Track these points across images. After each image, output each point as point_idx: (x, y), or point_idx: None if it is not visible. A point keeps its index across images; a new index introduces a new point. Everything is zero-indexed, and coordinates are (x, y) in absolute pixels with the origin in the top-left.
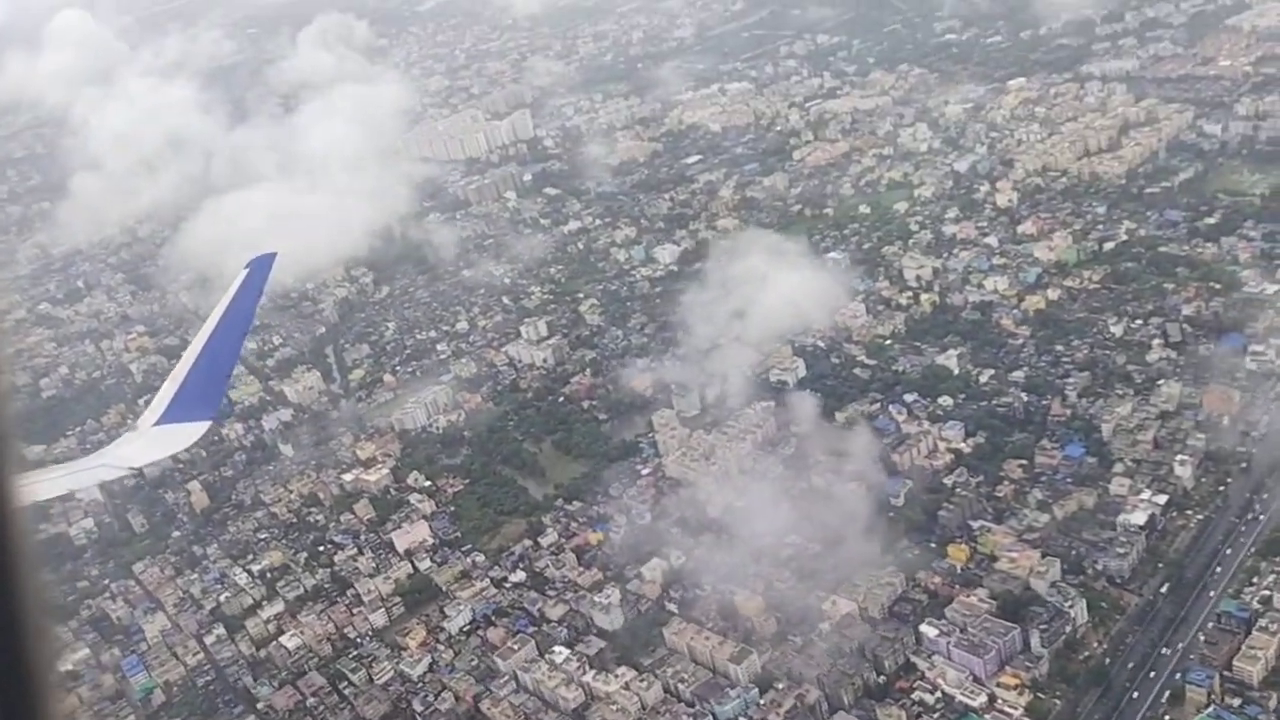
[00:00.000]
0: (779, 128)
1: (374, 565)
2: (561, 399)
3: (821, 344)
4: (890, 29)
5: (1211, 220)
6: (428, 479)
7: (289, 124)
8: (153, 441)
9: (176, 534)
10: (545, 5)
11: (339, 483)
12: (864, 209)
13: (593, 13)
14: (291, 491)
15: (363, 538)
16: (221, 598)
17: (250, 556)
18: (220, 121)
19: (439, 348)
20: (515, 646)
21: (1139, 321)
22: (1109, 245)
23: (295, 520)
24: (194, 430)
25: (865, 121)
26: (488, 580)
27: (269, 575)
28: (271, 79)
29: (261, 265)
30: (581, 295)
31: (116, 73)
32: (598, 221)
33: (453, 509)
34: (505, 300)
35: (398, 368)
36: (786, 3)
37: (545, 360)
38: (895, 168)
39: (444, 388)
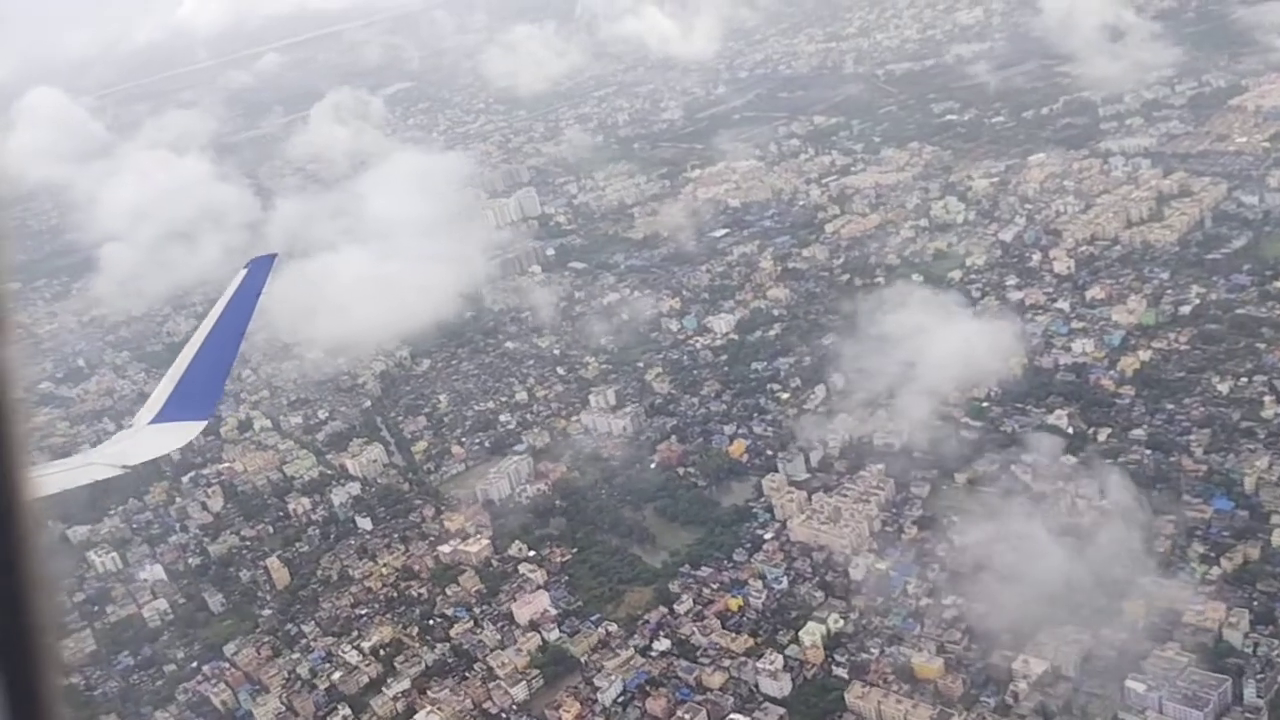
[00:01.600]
0: (801, 202)
1: (498, 638)
2: (652, 466)
3: (916, 408)
4: (885, 110)
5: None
6: (531, 549)
7: (300, 200)
8: (148, 439)
9: (267, 612)
10: (519, 90)
11: (433, 555)
12: (916, 277)
13: (568, 96)
14: (382, 565)
15: (477, 610)
16: (334, 676)
17: (355, 633)
18: (241, 195)
19: (502, 419)
20: (686, 716)
21: (1243, 379)
22: (1184, 309)
23: (395, 595)
24: (190, 429)
25: (890, 196)
26: (631, 649)
27: (382, 652)
28: (269, 156)
29: (261, 266)
30: (641, 365)
31: (115, 148)
32: (636, 293)
33: (567, 578)
34: (560, 371)
35: (463, 439)
36: (772, 86)
37: (625, 429)
38: (936, 238)
39: (522, 458)
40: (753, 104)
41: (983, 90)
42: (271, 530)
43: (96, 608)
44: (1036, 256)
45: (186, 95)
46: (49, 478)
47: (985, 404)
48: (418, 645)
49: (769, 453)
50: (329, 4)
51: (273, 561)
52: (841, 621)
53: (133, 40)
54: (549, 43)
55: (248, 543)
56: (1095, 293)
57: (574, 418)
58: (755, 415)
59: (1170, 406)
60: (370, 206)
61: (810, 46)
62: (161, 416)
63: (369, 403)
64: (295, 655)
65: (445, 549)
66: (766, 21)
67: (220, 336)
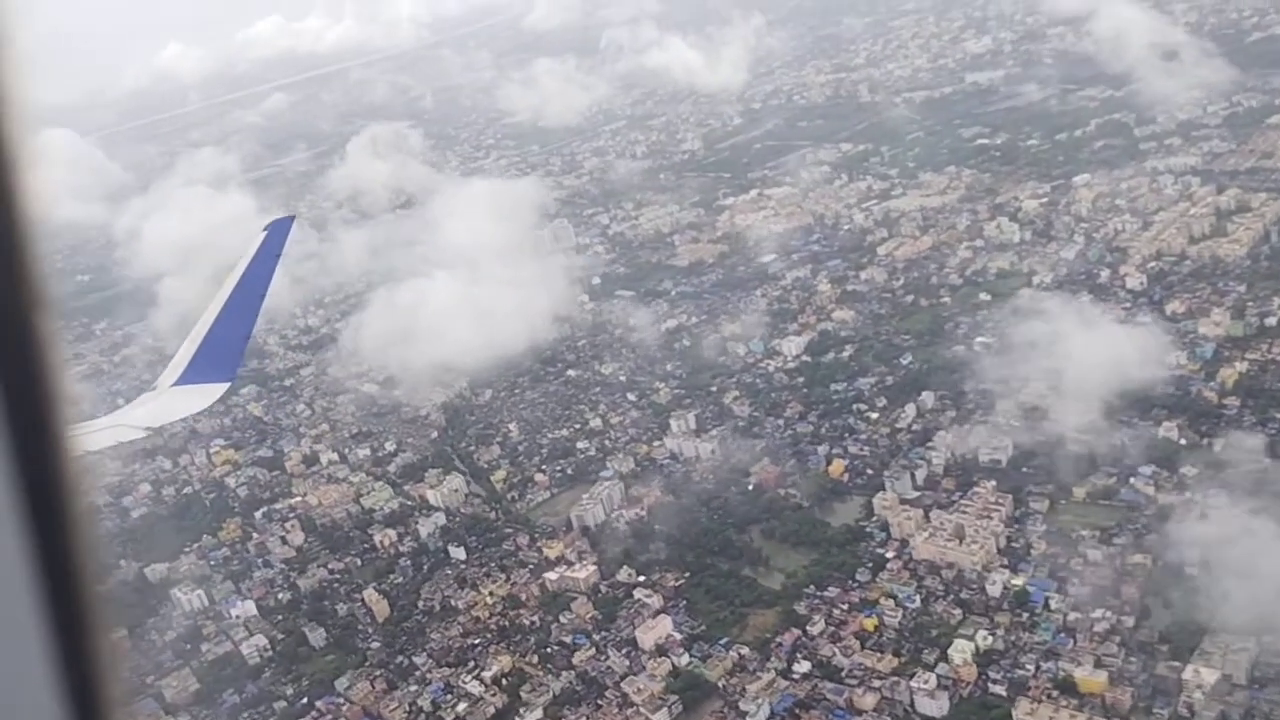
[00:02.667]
0: (846, 226)
1: (626, 664)
2: (749, 488)
3: (1015, 423)
4: (913, 136)
5: None
6: (640, 574)
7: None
8: (171, 402)
9: (374, 645)
10: (526, 126)
11: (538, 583)
12: (984, 296)
13: (579, 131)
14: (486, 594)
15: (597, 636)
16: (459, 708)
17: (472, 663)
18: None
19: (579, 446)
20: None
21: None
22: (1270, 320)
23: (506, 623)
24: (213, 392)
25: (936, 218)
26: (770, 673)
27: (505, 682)
28: (304, 190)
29: (280, 229)
30: (715, 389)
31: (142, 186)
32: (693, 319)
33: (684, 603)
34: (630, 397)
35: (543, 467)
36: (789, 116)
37: (712, 452)
38: (995, 258)
39: (613, 483)
40: (772, 133)
41: (1010, 115)
42: (359, 563)
43: (189, 646)
44: (1105, 273)
45: (194, 135)
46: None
47: (1089, 417)
48: (541, 674)
49: (868, 472)
50: (316, 46)
51: (370, 594)
52: (990, 638)
53: (118, 87)
54: (555, 79)
55: (337, 576)
56: (1175, 307)
57: (655, 443)
58: (847, 435)
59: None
60: (410, 238)
61: (820, 78)
62: (184, 379)
63: (435, 433)
64: (413, 688)
65: (551, 576)
66: (770, 55)
67: (241, 300)
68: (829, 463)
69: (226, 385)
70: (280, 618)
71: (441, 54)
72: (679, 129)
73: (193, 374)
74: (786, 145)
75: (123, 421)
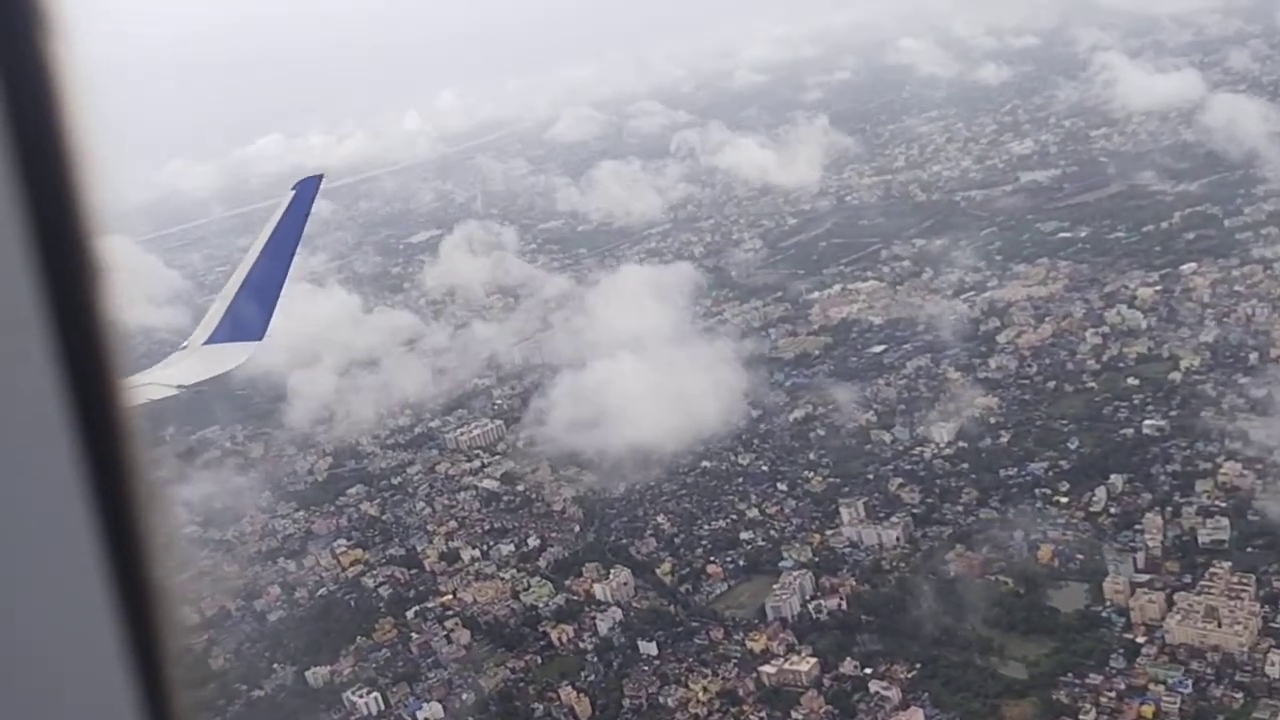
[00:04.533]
0: (951, 317)
1: None
2: (950, 577)
3: (1221, 503)
4: (987, 231)
5: None
6: (865, 666)
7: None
8: (202, 360)
9: None
10: (566, 230)
11: (752, 677)
12: (1131, 380)
13: (626, 234)
14: (697, 690)
15: None
16: None
17: None
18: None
19: (743, 537)
20: None
21: None
22: None
23: None
24: (243, 350)
25: (1048, 307)
26: None
27: None
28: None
29: (308, 187)
30: (871, 476)
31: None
32: (819, 409)
33: (925, 695)
34: (780, 487)
35: (711, 558)
36: (846, 215)
37: (896, 539)
38: (1127, 344)
39: (803, 573)
40: (834, 232)
41: (1082, 210)
42: (539, 660)
43: None
44: (1254, 355)
45: (242, 242)
46: None
47: None
48: None
49: (1079, 557)
50: (326, 160)
51: (568, 692)
52: None
53: (130, 200)
54: (586, 184)
55: (519, 675)
56: None
57: (828, 532)
58: (1040, 520)
59: None
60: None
61: (864, 180)
62: (215, 338)
63: (577, 527)
64: None
65: (768, 669)
66: (803, 160)
67: (271, 259)
68: (1033, 549)
69: (257, 343)
70: (472, 718)
71: (474, 162)
72: (730, 230)
73: (224, 332)
74: (853, 243)
75: (154, 380)
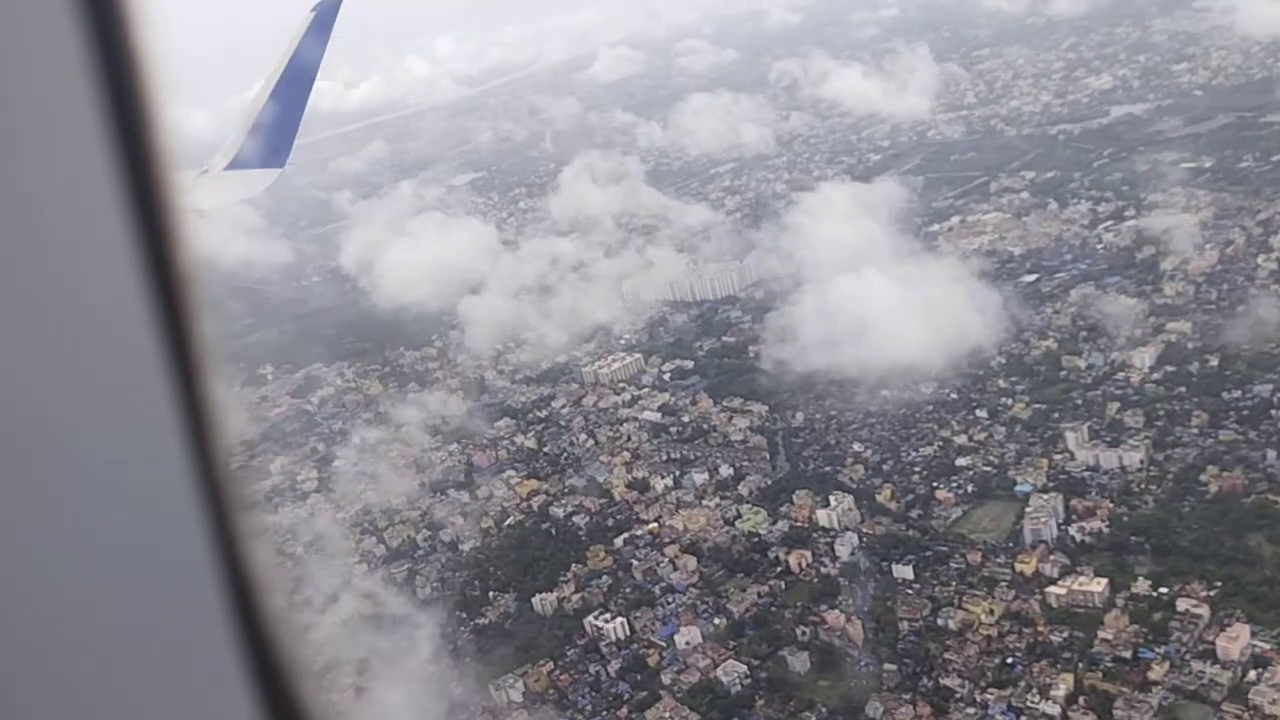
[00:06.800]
0: (1098, 246)
1: (1230, 675)
2: (1210, 497)
3: None
4: (1100, 164)
5: None
6: (1152, 584)
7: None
8: (224, 185)
9: (889, 667)
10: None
11: (1037, 599)
12: None
13: (695, 174)
14: (980, 613)
15: (1160, 650)
16: None
17: (1022, 684)
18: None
19: (959, 463)
20: None
21: None
22: None
23: (1033, 642)
24: (265, 176)
25: (1201, 235)
26: None
27: (1083, 701)
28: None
29: (328, 10)
30: (1079, 403)
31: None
32: (993, 336)
33: (1237, 612)
34: (979, 414)
35: (934, 484)
36: (936, 150)
37: (1140, 461)
38: None
39: (1052, 496)
40: (926, 165)
41: (1196, 141)
42: (784, 585)
43: (639, 676)
44: None
45: (320, 177)
46: None
47: None
48: (1130, 692)
49: None
50: (340, 105)
51: (833, 615)
52: None
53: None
54: (660, 120)
55: (767, 600)
56: None
57: (1056, 456)
58: None
59: None
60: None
61: (941, 115)
62: (236, 163)
63: (766, 455)
64: (970, 711)
65: (1057, 591)
66: (864, 98)
67: (291, 83)
68: None
69: (279, 171)
70: (734, 644)
71: (520, 101)
72: (810, 167)
73: (245, 158)
74: (955, 176)
75: None
